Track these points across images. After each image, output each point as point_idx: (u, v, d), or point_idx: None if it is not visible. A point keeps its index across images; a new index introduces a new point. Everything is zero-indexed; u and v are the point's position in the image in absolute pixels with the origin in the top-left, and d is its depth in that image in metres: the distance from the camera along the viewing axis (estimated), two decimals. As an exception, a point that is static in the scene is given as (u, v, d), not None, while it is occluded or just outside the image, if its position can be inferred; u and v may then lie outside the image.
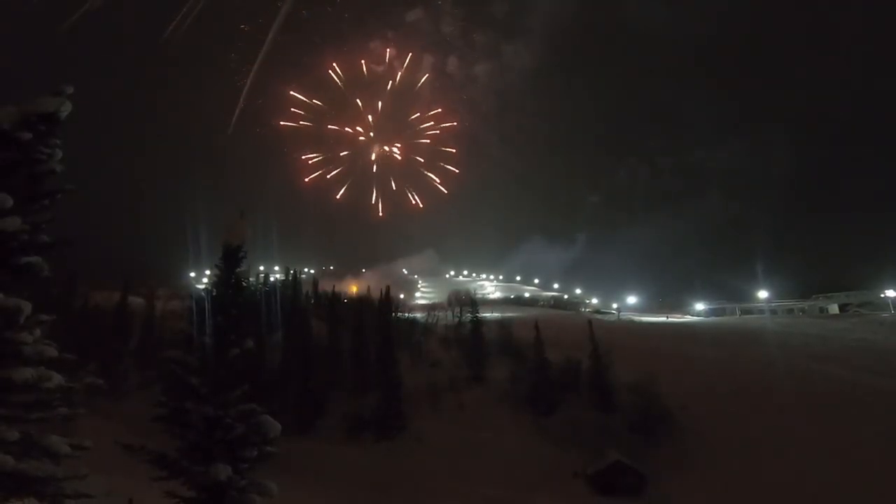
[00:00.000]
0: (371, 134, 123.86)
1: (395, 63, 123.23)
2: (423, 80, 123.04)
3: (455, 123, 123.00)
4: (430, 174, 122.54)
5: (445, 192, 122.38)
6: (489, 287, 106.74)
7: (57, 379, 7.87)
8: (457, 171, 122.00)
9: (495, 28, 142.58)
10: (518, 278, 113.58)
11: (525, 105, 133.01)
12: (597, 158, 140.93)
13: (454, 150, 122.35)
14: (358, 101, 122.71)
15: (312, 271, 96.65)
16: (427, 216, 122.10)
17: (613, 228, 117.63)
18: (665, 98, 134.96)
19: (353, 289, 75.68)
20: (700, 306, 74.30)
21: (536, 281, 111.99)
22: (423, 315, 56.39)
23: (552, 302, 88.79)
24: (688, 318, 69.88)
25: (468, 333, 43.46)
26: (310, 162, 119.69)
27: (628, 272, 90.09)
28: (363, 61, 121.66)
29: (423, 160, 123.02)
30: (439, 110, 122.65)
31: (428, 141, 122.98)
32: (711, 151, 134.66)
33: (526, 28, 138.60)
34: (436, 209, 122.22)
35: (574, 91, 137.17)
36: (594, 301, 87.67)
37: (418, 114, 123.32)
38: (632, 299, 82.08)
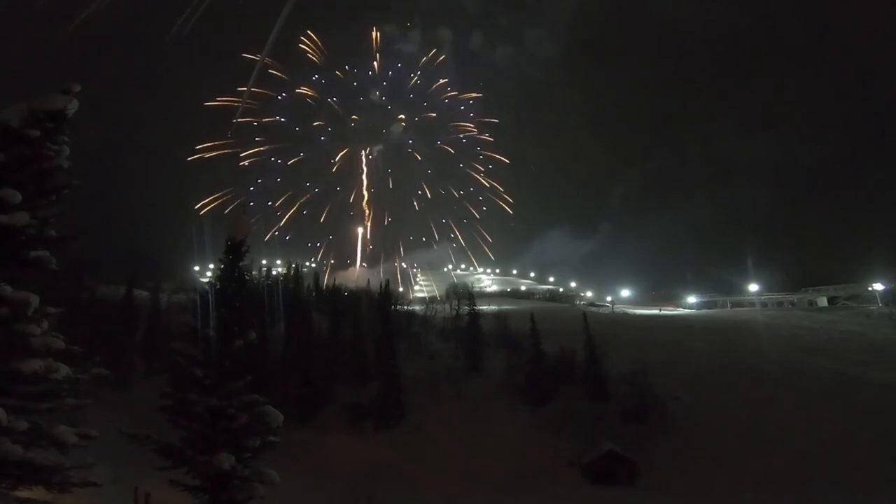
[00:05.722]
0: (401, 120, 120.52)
1: (418, 45, 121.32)
2: (441, 60, 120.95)
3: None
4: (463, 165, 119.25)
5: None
6: (486, 280, 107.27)
7: (64, 370, 8.00)
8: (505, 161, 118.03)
9: (520, 13, 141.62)
10: (514, 272, 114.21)
11: (548, 95, 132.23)
12: (599, 153, 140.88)
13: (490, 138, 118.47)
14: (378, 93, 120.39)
15: (314, 265, 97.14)
16: (435, 209, 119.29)
17: (616, 224, 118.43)
18: (666, 97, 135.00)
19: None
20: (692, 299, 75.29)
21: (532, 274, 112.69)
22: (422, 308, 56.73)
23: (548, 295, 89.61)
24: (680, 311, 70.79)
25: (466, 326, 43.81)
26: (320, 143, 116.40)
27: (622, 266, 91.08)
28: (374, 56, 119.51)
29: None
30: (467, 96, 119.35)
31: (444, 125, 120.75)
32: (706, 149, 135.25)
33: (550, 16, 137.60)
34: (442, 202, 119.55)
35: (591, 84, 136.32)
36: (589, 294, 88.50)
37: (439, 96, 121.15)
38: (625, 292, 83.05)
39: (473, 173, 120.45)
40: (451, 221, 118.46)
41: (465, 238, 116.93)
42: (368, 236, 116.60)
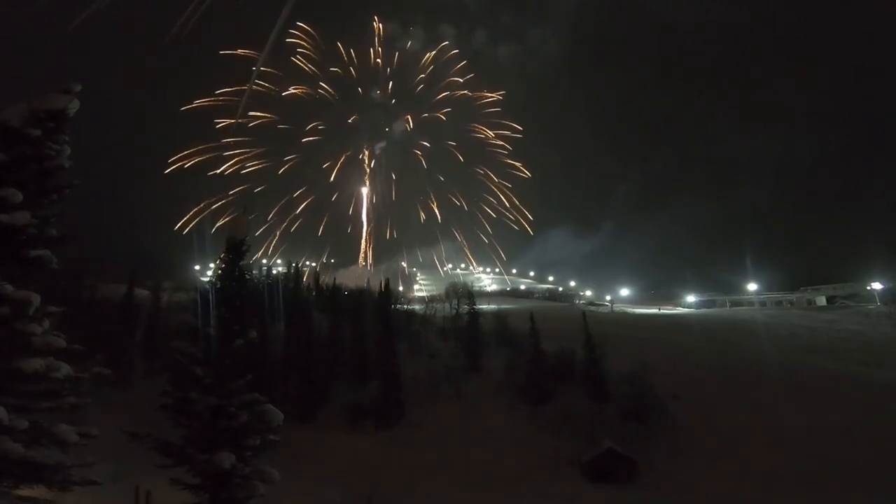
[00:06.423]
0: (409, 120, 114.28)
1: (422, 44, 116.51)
2: (446, 59, 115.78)
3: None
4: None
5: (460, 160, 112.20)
6: (486, 279, 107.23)
7: (65, 369, 8.05)
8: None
9: (520, 13, 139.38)
10: (514, 271, 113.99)
11: (550, 94, 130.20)
12: (600, 153, 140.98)
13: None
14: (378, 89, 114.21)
15: (314, 264, 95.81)
16: (442, 220, 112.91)
17: (616, 224, 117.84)
18: (667, 97, 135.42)
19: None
20: (691, 298, 75.41)
21: (532, 273, 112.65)
22: (422, 307, 56.77)
23: (547, 294, 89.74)
24: (679, 310, 70.84)
25: (465, 325, 43.79)
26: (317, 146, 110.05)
27: (622, 265, 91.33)
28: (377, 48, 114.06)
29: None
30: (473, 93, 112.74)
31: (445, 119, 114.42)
32: (707, 148, 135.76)
33: (551, 16, 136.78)
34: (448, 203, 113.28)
35: (592, 84, 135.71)
36: (588, 293, 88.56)
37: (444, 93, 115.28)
38: (625, 291, 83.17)
39: (489, 183, 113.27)
40: (459, 232, 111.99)
41: (473, 248, 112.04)
42: (370, 251, 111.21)
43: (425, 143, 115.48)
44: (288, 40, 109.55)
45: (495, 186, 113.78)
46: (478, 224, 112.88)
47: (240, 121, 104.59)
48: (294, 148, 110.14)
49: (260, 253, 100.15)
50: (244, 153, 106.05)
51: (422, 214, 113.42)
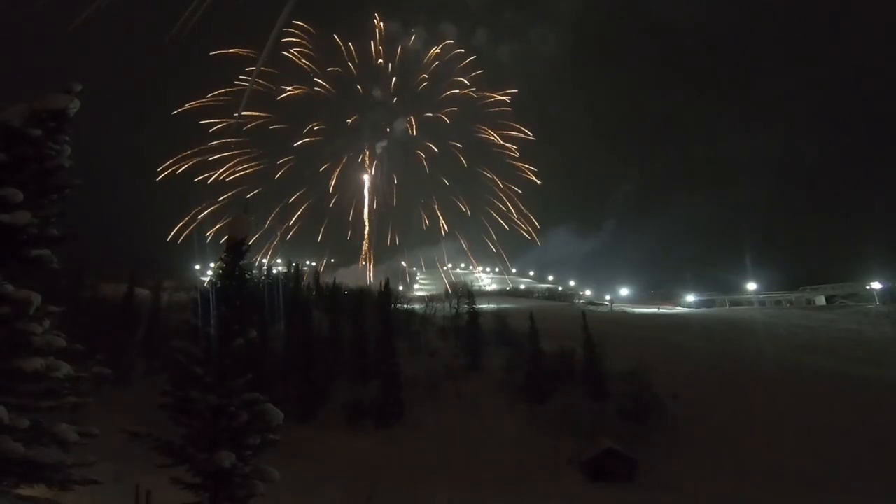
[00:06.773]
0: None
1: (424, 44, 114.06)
2: (449, 57, 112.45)
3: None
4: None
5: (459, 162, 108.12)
6: (485, 279, 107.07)
7: (65, 368, 8.06)
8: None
9: (521, 13, 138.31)
10: (514, 270, 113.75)
11: (551, 93, 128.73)
12: (601, 153, 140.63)
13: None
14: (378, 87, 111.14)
15: (314, 263, 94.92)
16: (446, 225, 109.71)
17: (617, 223, 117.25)
18: (668, 96, 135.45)
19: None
20: (690, 298, 75.41)
21: (531, 273, 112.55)
22: (422, 306, 56.81)
23: (546, 294, 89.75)
24: (678, 310, 70.87)
25: (465, 324, 43.82)
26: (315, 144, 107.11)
27: (621, 265, 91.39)
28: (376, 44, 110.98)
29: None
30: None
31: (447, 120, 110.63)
32: (708, 148, 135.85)
33: (553, 15, 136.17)
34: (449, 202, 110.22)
35: (593, 83, 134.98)
36: (588, 293, 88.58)
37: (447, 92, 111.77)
38: (624, 291, 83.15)
39: (495, 188, 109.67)
40: (462, 237, 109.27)
41: (474, 249, 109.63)
42: (371, 253, 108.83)
43: (430, 145, 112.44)
44: (284, 40, 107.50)
45: (501, 191, 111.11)
46: (483, 230, 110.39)
47: (238, 121, 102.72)
48: (291, 149, 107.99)
49: (259, 256, 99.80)
50: (242, 153, 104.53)
51: (424, 220, 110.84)
